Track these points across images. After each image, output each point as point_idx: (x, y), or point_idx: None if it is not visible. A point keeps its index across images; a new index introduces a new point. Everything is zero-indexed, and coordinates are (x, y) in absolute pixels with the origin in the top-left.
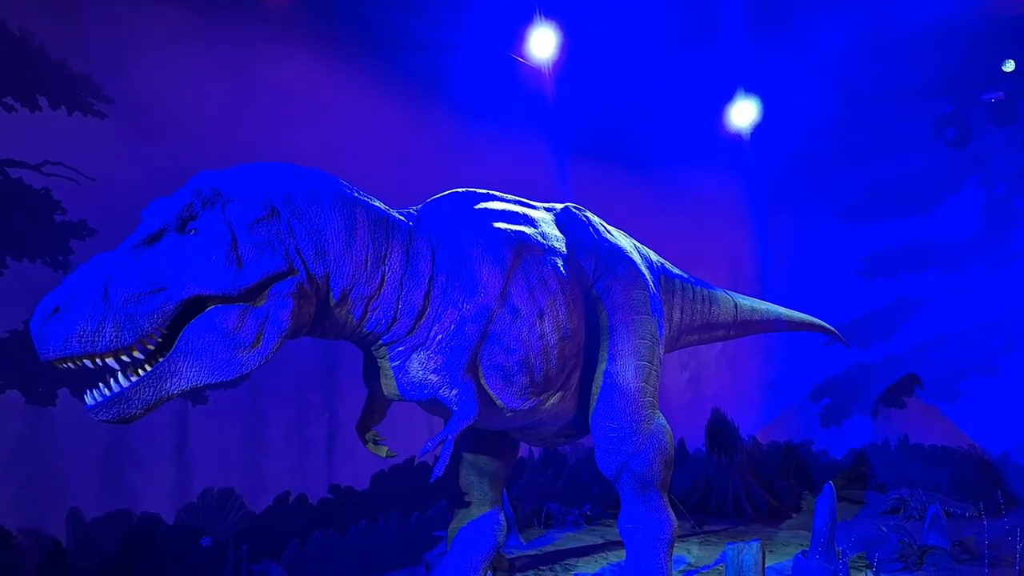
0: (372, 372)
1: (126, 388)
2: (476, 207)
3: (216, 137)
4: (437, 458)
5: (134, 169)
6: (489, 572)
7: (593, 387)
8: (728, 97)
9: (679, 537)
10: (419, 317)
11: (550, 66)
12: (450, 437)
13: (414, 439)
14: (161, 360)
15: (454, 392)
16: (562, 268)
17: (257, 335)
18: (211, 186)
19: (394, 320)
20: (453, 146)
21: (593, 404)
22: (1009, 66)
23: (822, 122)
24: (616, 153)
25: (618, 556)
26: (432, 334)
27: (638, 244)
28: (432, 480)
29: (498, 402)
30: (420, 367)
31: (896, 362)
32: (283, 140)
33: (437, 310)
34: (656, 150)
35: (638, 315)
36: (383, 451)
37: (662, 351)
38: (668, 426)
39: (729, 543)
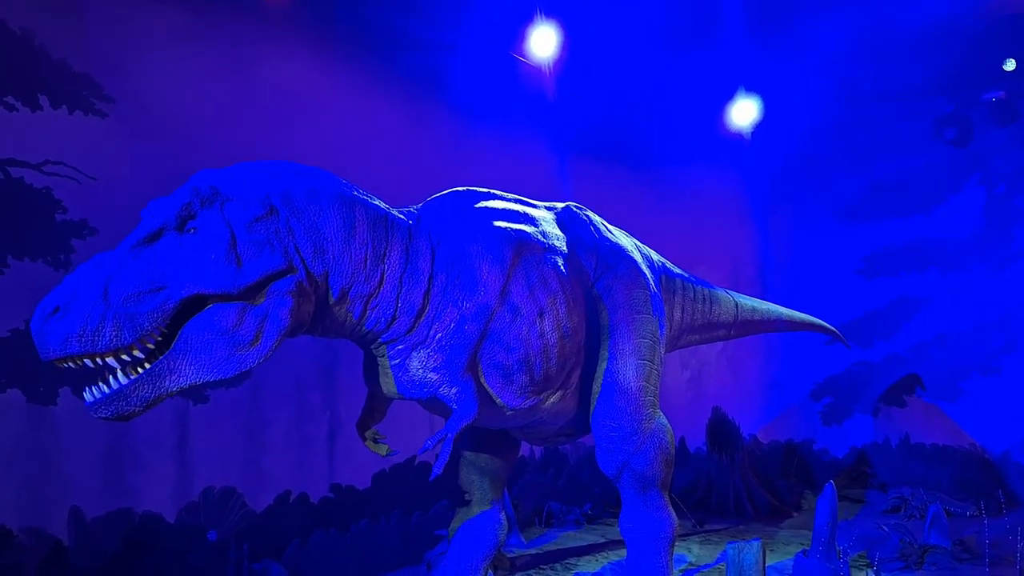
0: (372, 370)
1: (125, 385)
2: (476, 206)
3: (217, 136)
4: (437, 456)
5: (135, 168)
6: (490, 571)
7: (594, 386)
8: (729, 96)
9: (680, 536)
10: (419, 315)
11: (551, 65)
12: (449, 435)
13: (415, 438)
14: (160, 358)
15: (454, 390)
16: (563, 267)
17: (256, 333)
18: (210, 185)
19: (393, 318)
20: (454, 145)
21: (594, 403)
22: (1010, 65)
23: (823, 121)
24: (617, 152)
25: (619, 555)
26: (432, 332)
27: (639, 243)
28: (432, 478)
29: (498, 401)
30: (420, 365)
31: (897, 361)
32: (284, 139)
33: (437, 308)
34: (657, 149)
35: (639, 314)
36: (383, 449)
37: (663, 350)
38: (669, 425)
39: (730, 542)
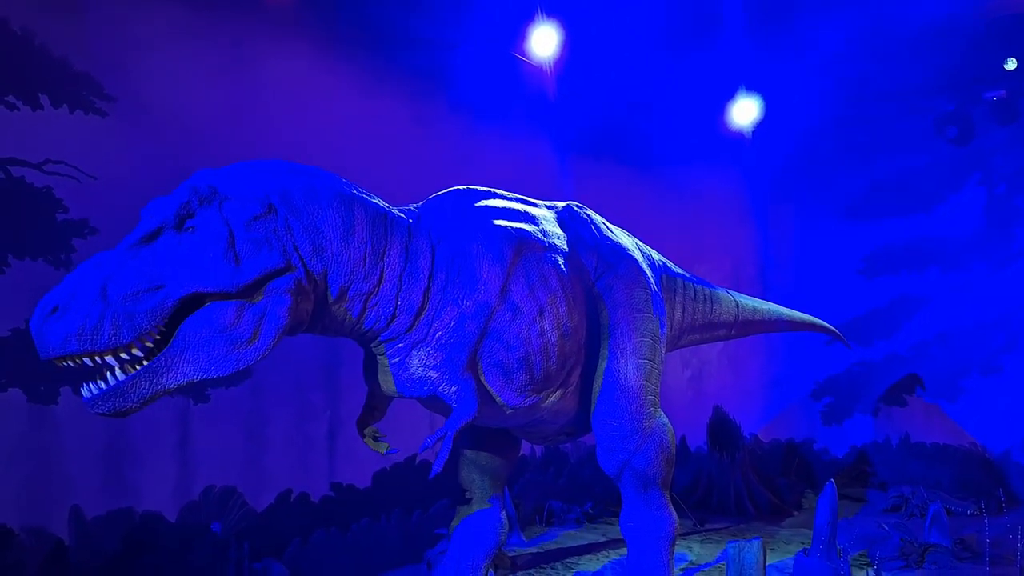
0: (372, 369)
1: (123, 382)
2: (477, 204)
3: (218, 135)
4: (437, 455)
5: (136, 168)
6: (491, 570)
7: (594, 385)
8: (729, 96)
9: (680, 535)
10: (418, 314)
11: (552, 64)
12: (449, 434)
13: (416, 437)
14: (158, 355)
15: (453, 389)
16: (563, 266)
17: (254, 331)
18: (208, 184)
19: (393, 317)
20: (455, 144)
21: (594, 402)
22: (1011, 64)
23: (823, 120)
24: (618, 152)
25: (619, 554)
26: (432, 331)
27: (640, 243)
28: (431, 477)
29: (498, 399)
30: (420, 364)
31: (897, 360)
32: (285, 138)
33: (437, 307)
34: (657, 149)
35: (640, 313)
36: (382, 447)
37: (664, 349)
38: (670, 424)
39: (730, 541)
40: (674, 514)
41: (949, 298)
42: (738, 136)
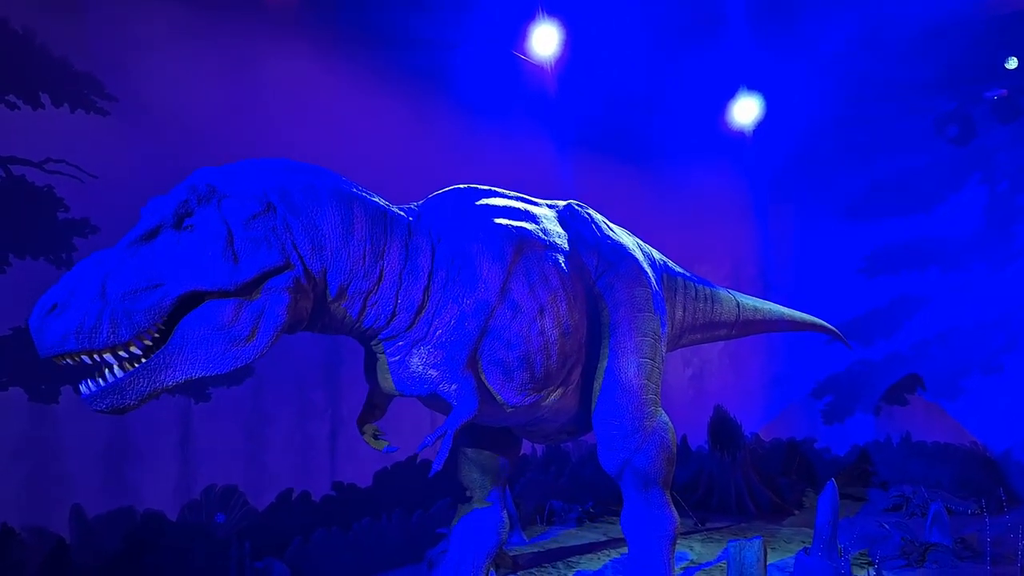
0: (372, 367)
1: (121, 379)
2: (477, 203)
3: (219, 134)
4: (437, 453)
5: (137, 167)
6: (492, 569)
7: (595, 384)
8: (730, 95)
9: (681, 534)
10: (418, 312)
11: (552, 64)
12: (449, 432)
13: (418, 436)
14: (156, 352)
15: (453, 387)
16: (563, 264)
17: (252, 329)
18: (207, 183)
19: (393, 315)
20: (456, 143)
21: (595, 401)
22: (1012, 63)
23: (824, 120)
24: (618, 151)
25: (620, 553)
26: (432, 329)
27: (640, 242)
28: (431, 475)
29: (498, 398)
30: (420, 362)
31: (898, 360)
32: (286, 138)
33: (437, 305)
34: (658, 148)
35: (640, 312)
36: (382, 445)
37: (664, 348)
38: (671, 423)
39: (731, 540)
40: (675, 513)
41: (950, 297)
42: (739, 135)
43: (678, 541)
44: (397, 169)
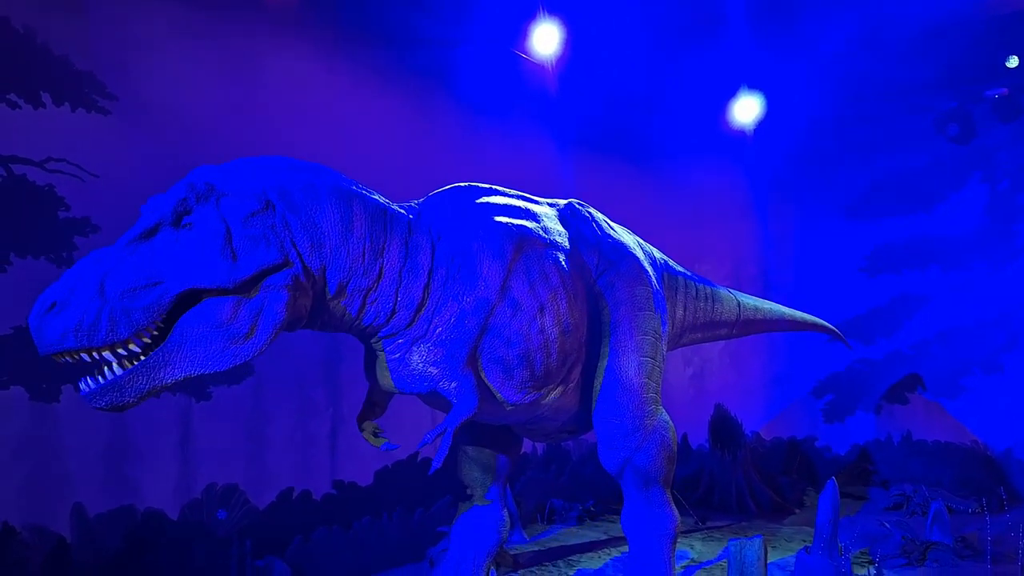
0: (372, 365)
1: (120, 376)
2: (478, 201)
3: (220, 133)
4: (437, 450)
5: (138, 166)
6: (492, 568)
7: (596, 382)
8: (731, 93)
9: (682, 533)
10: (418, 309)
11: (554, 62)
12: (449, 429)
13: (418, 435)
14: (155, 350)
15: (453, 385)
16: (564, 263)
17: (251, 326)
18: (205, 181)
19: (393, 312)
20: (457, 142)
21: (596, 399)
22: (1013, 62)
23: (825, 118)
24: (619, 149)
25: (621, 551)
26: (432, 327)
27: (641, 241)
28: (431, 472)
29: (498, 396)
30: (420, 360)
31: (899, 358)
32: (287, 136)
33: (437, 303)
34: (659, 146)
35: (641, 311)
36: (381, 442)
37: (665, 347)
38: (671, 422)
39: (732, 539)
40: (675, 512)
41: (950, 296)
42: (740, 134)
43: (679, 540)
44: (398, 168)
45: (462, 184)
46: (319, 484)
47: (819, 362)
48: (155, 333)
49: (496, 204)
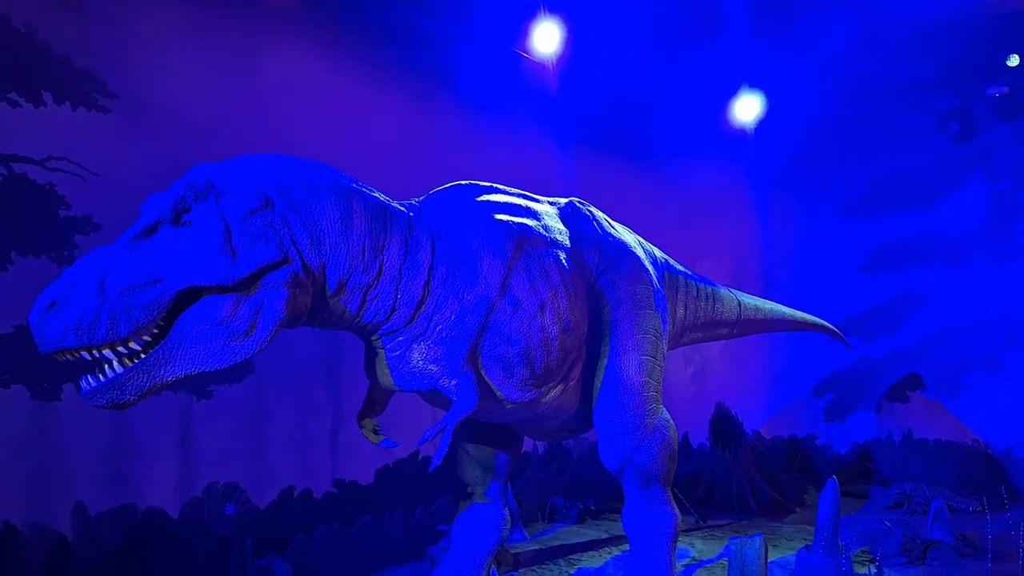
0: (372, 362)
1: (120, 374)
2: (478, 199)
3: (221, 132)
4: (436, 448)
5: (139, 164)
6: (493, 566)
7: (596, 381)
8: (732, 92)
9: (683, 531)
10: (418, 307)
11: (554, 61)
12: (448, 427)
13: (419, 433)
14: (155, 348)
15: (453, 382)
16: (564, 261)
17: (251, 324)
18: (205, 179)
19: (393, 310)
20: (458, 141)
21: (596, 398)
22: (1014, 61)
23: (825, 117)
24: (620, 148)
25: (621, 550)
26: (432, 324)
27: (642, 239)
28: (431, 469)
29: (498, 394)
30: (420, 357)
31: (900, 357)
32: (288, 135)
33: (437, 300)
34: (660, 145)
35: (642, 310)
36: (381, 439)
37: (666, 346)
38: (672, 421)
39: (732, 537)
40: (676, 510)
41: (951, 295)
42: (740, 133)
43: (679, 538)
44: (398, 167)
45: (462, 182)
46: (320, 483)
47: (820, 361)
48: (155, 331)
49: (497, 202)
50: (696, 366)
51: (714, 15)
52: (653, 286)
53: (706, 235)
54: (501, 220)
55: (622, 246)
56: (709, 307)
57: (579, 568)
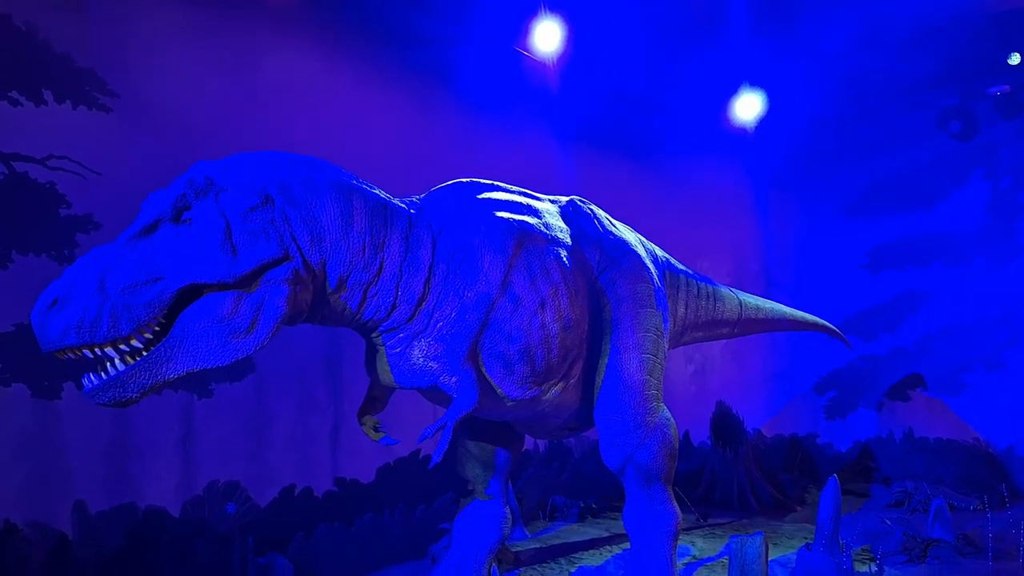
0: (373, 360)
1: (122, 372)
2: (479, 197)
3: (221, 131)
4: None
5: (139, 163)
6: (494, 564)
7: (597, 380)
8: (733, 91)
9: (683, 530)
10: (419, 304)
11: (555, 60)
12: (449, 424)
13: (419, 431)
14: (157, 346)
15: (454, 380)
16: (565, 259)
17: (252, 321)
18: (205, 176)
19: (393, 307)
20: (458, 139)
21: (597, 396)
22: (1015, 59)
23: (826, 116)
24: (621, 147)
25: (622, 548)
26: (433, 322)
27: (643, 238)
28: (431, 466)
29: (499, 391)
30: (420, 354)
31: (901, 355)
32: (289, 134)
33: (438, 298)
34: (660, 144)
35: (643, 308)
36: (381, 436)
37: (666, 345)
38: (673, 419)
39: (733, 536)
40: (677, 509)
41: (952, 293)
42: (741, 132)
43: (680, 537)
44: (399, 166)
45: (463, 180)
46: (321, 481)
47: (821, 359)
48: (156, 329)
49: (497, 200)
50: (697, 364)
51: (714, 15)
52: (654, 284)
53: (707, 234)
54: (502, 217)
55: (623, 244)
56: (710, 306)
57: (580, 566)
